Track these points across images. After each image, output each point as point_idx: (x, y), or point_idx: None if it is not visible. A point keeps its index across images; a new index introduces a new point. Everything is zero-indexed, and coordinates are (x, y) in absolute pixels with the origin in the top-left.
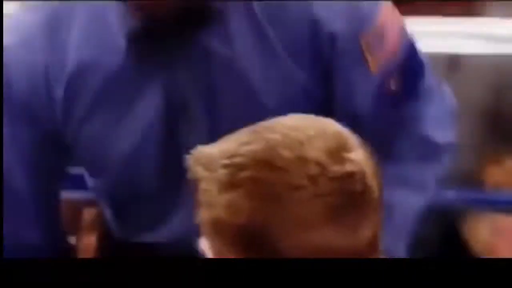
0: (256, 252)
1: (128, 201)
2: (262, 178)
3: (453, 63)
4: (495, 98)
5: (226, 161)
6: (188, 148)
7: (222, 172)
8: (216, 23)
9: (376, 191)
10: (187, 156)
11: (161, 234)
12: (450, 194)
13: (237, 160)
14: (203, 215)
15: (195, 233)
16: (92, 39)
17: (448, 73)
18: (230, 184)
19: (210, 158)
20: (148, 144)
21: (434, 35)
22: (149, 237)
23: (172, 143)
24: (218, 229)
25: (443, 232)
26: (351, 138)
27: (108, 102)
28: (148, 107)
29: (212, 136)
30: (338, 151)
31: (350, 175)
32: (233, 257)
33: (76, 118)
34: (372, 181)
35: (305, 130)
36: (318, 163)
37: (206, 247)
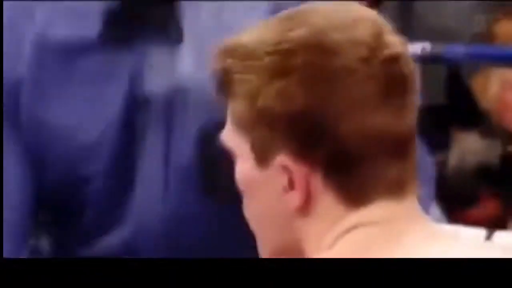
0: (313, 140)
1: (71, 206)
2: (315, 62)
3: None
4: None
5: (272, 48)
6: (145, 150)
7: (269, 60)
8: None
9: (415, 74)
10: (217, 48)
11: (106, 244)
12: (461, 49)
13: (286, 46)
14: (240, 108)
15: (147, 239)
16: (63, 16)
17: None
18: (280, 71)
19: (248, 47)
20: (106, 138)
21: None
22: (93, 248)
23: (130, 139)
24: (267, 120)
25: (453, 87)
26: (386, 24)
27: (71, 83)
28: (112, 95)
29: (170, 139)
30: (381, 34)
31: (397, 58)
32: (282, 148)
33: (34, 98)
34: (413, 64)
35: (347, 13)
36: (368, 45)
37: (234, 138)
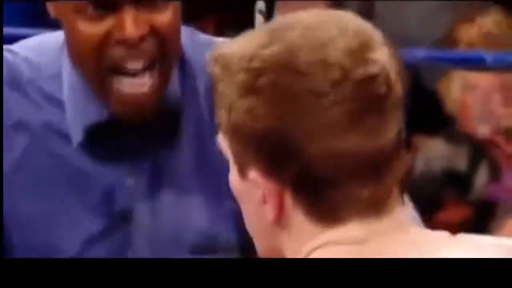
0: (281, 160)
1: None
2: (283, 83)
3: None
4: None
5: (245, 65)
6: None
7: (241, 77)
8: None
9: (399, 90)
10: (211, 54)
11: None
12: (422, 53)
13: (256, 64)
14: (222, 117)
15: None
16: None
17: None
18: (249, 90)
19: (229, 59)
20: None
21: None
22: None
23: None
24: (239, 133)
25: (416, 92)
26: (374, 34)
27: (50, 184)
28: (94, 205)
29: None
30: (361, 51)
31: (374, 77)
32: (252, 161)
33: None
34: (396, 81)
35: (326, 29)
36: (341, 67)
37: (224, 144)
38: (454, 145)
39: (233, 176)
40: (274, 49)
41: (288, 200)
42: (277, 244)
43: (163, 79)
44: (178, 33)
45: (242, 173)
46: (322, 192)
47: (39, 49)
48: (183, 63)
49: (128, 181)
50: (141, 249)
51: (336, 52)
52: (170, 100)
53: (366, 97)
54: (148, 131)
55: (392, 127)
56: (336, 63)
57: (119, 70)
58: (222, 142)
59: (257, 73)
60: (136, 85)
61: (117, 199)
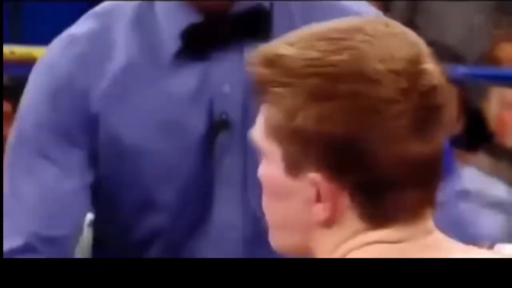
0: (348, 165)
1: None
2: (359, 90)
3: None
4: None
5: (318, 70)
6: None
7: (313, 81)
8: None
9: (450, 101)
10: (252, 54)
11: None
12: (464, 70)
13: (330, 70)
14: (275, 119)
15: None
16: (137, 41)
17: None
18: (323, 95)
19: (292, 62)
20: (184, 161)
21: None
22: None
23: (207, 164)
24: (302, 136)
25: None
26: (424, 46)
27: (147, 103)
28: (191, 118)
29: (247, 163)
30: (419, 62)
31: (435, 87)
32: (313, 166)
33: (112, 114)
34: (448, 91)
35: (389, 38)
36: (408, 76)
37: (265, 142)
38: (496, 159)
39: (274, 172)
40: (344, 56)
41: (345, 200)
42: (309, 242)
43: None
44: None
45: (294, 172)
46: (381, 194)
47: None
48: None
49: (225, 86)
50: (238, 156)
51: (402, 62)
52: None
53: (428, 106)
54: (238, 30)
55: (442, 135)
56: (404, 72)
57: None
58: (263, 139)
59: (333, 79)
60: None
61: (215, 107)
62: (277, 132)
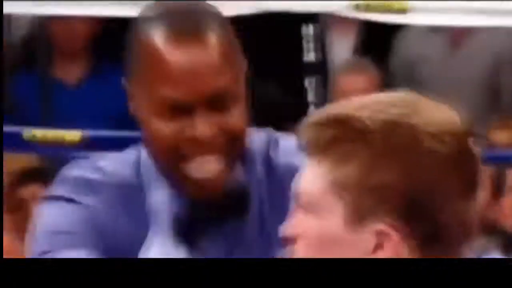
0: (420, 215)
1: None
2: (434, 150)
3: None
4: (496, 72)
5: (393, 128)
6: None
7: (395, 141)
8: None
9: None
10: (323, 115)
11: None
12: None
13: (405, 131)
14: (347, 174)
15: None
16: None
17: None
18: (402, 152)
19: (364, 122)
20: None
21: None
22: None
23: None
24: (379, 192)
25: None
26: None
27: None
28: None
29: None
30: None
31: (478, 157)
32: (383, 217)
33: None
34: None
35: (428, 107)
36: (455, 137)
37: (326, 198)
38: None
39: (331, 224)
40: (418, 119)
41: (405, 244)
42: None
43: (230, 166)
44: (246, 130)
45: (357, 223)
46: (437, 236)
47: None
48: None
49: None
50: None
51: (450, 125)
52: (237, 184)
53: (474, 166)
54: (219, 211)
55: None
56: (454, 134)
57: (189, 160)
58: (320, 192)
59: (411, 139)
60: (205, 171)
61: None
62: (347, 186)
